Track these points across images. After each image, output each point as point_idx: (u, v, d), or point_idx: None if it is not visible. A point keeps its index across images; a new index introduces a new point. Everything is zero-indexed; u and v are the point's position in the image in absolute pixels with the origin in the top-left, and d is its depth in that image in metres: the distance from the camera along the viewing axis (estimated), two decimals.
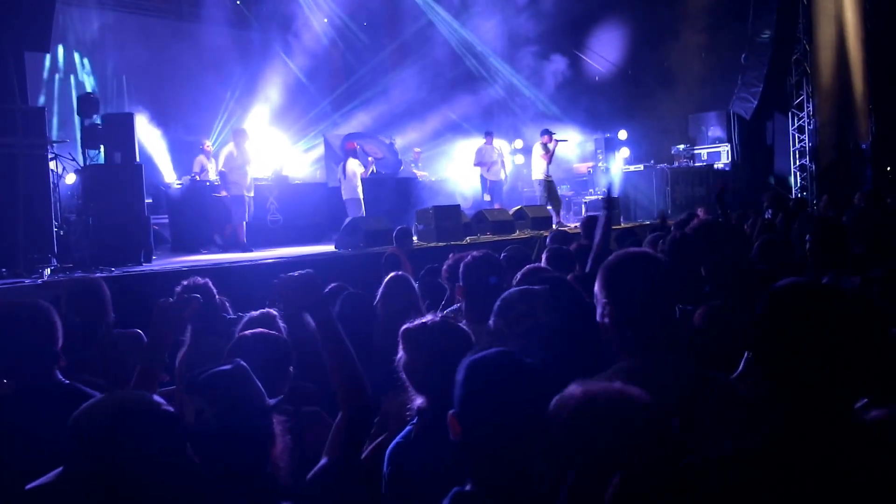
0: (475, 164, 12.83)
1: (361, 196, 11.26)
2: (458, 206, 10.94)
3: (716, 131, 15.62)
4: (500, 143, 13.35)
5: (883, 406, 1.53)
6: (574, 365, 1.75)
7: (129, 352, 3.14)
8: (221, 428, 1.72)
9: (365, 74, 16.97)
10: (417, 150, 15.38)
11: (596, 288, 1.99)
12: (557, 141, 12.31)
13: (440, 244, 9.65)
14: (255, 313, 2.95)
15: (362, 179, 11.42)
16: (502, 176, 13.08)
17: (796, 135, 15.90)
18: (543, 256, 4.20)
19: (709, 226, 4.41)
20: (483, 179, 12.86)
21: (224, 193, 10.27)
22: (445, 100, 16.62)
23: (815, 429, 1.36)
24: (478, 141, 13.31)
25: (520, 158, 16.34)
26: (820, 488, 1.29)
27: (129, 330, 3.50)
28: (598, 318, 1.97)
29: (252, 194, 10.37)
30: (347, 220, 9.97)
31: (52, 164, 7.92)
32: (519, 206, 11.99)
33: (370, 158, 11.69)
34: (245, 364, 1.86)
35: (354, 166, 11.26)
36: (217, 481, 1.70)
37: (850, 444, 1.33)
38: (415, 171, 14.40)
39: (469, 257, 3.15)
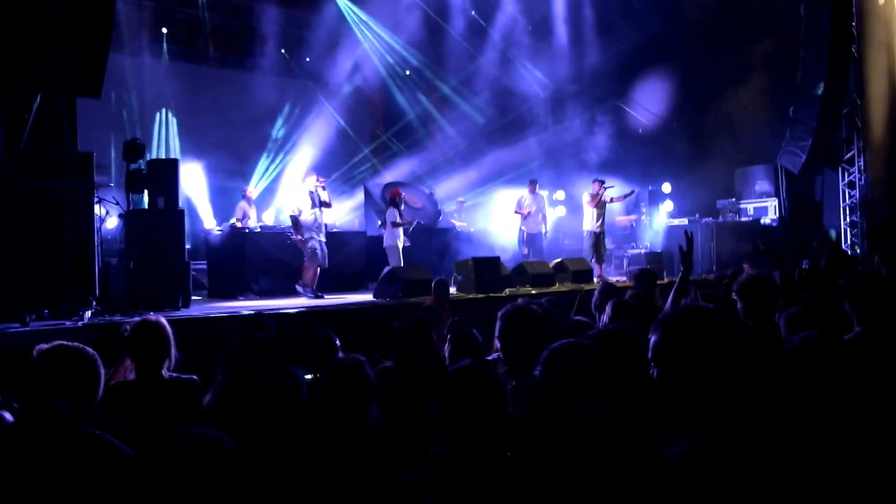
0: (515, 212, 12.96)
1: (401, 245, 11.29)
2: (498, 257, 10.89)
3: (763, 185, 15.44)
4: (543, 194, 13.32)
5: None
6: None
7: (182, 397, 3.19)
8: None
9: (408, 123, 17.24)
10: (461, 199, 15.49)
11: (652, 347, 1.99)
12: (606, 188, 12.37)
13: (479, 295, 9.61)
14: (342, 358, 3.03)
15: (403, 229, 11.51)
16: (542, 229, 13.06)
17: (847, 190, 15.64)
18: (608, 308, 4.19)
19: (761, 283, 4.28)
20: (520, 231, 12.89)
21: (300, 238, 10.25)
22: (488, 149, 16.83)
23: None
24: (520, 191, 13.33)
25: (561, 210, 16.33)
26: None
27: (185, 375, 3.53)
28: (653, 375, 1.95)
29: (321, 238, 10.35)
30: (386, 269, 10.03)
31: (96, 208, 8.11)
32: (559, 259, 11.91)
33: (405, 218, 11.73)
34: None
35: (395, 215, 11.37)
36: None
37: None
38: (454, 221, 14.46)
39: (508, 308, 3.26)
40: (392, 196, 11.58)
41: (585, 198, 12.41)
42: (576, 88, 16.72)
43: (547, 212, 13.22)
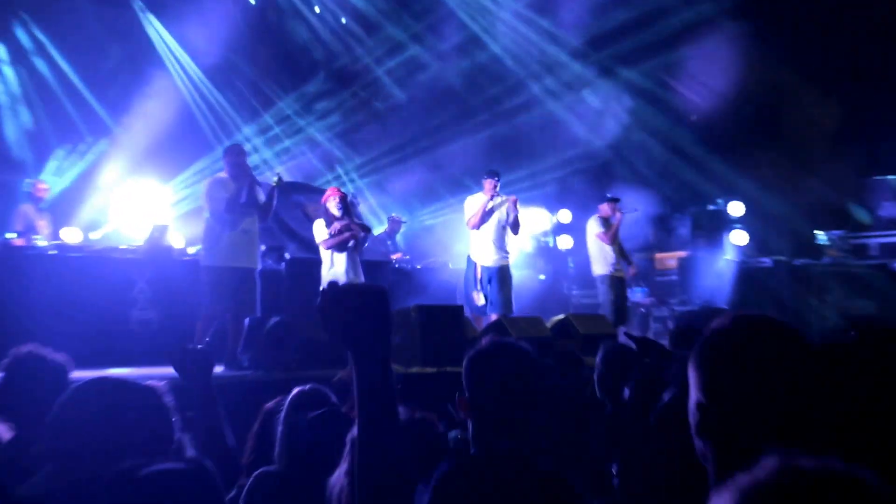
0: (471, 226, 12.16)
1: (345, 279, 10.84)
2: (461, 307, 11.30)
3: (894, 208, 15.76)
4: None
5: None
6: None
7: None
8: None
9: (318, 88, 17.76)
10: (395, 216, 15.62)
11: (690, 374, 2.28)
12: (624, 213, 13.01)
13: (427, 370, 9.52)
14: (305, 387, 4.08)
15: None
16: (502, 258, 12.13)
17: None
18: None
19: None
20: (469, 261, 12.33)
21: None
22: (443, 145, 17.48)
23: None
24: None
25: (566, 241, 16.94)
26: None
27: None
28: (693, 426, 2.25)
29: (254, 266, 10.37)
30: (272, 320, 9.95)
31: None
32: (563, 315, 11.94)
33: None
34: (208, 465, 2.48)
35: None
36: None
37: None
38: (394, 256, 14.64)
39: (478, 348, 3.41)
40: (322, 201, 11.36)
41: (594, 228, 13.01)
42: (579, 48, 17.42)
43: (517, 227, 12.21)
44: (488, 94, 18.04)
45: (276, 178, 10.74)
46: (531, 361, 3.42)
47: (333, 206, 11.00)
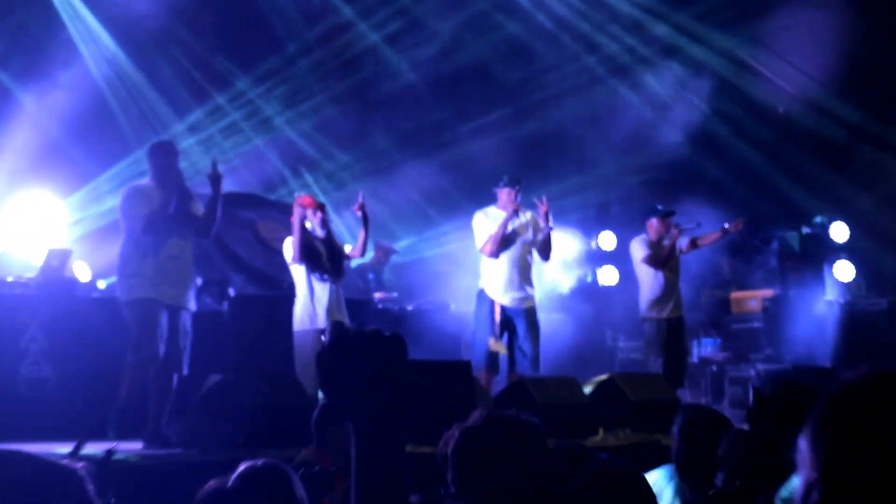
0: (487, 253, 12.08)
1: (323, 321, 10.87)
2: (467, 364, 11.21)
3: None
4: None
5: None
6: None
7: None
8: None
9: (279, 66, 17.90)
10: (385, 243, 16.29)
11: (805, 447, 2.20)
12: (684, 229, 13.27)
13: (423, 450, 8.67)
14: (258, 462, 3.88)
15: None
16: (528, 296, 12.11)
17: None
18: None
19: None
20: (483, 297, 12.20)
21: None
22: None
23: None
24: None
25: (610, 275, 16.89)
26: None
27: None
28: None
29: (184, 305, 10.31)
30: (211, 380, 9.72)
31: None
32: (606, 375, 12.01)
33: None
34: None
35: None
36: None
37: None
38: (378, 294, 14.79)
39: (467, 426, 3.67)
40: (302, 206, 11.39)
41: (638, 250, 13.27)
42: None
43: (548, 251, 12.33)
44: (506, 80, 18.19)
45: (210, 171, 10.47)
46: (540, 445, 3.55)
47: (316, 226, 11.17)
